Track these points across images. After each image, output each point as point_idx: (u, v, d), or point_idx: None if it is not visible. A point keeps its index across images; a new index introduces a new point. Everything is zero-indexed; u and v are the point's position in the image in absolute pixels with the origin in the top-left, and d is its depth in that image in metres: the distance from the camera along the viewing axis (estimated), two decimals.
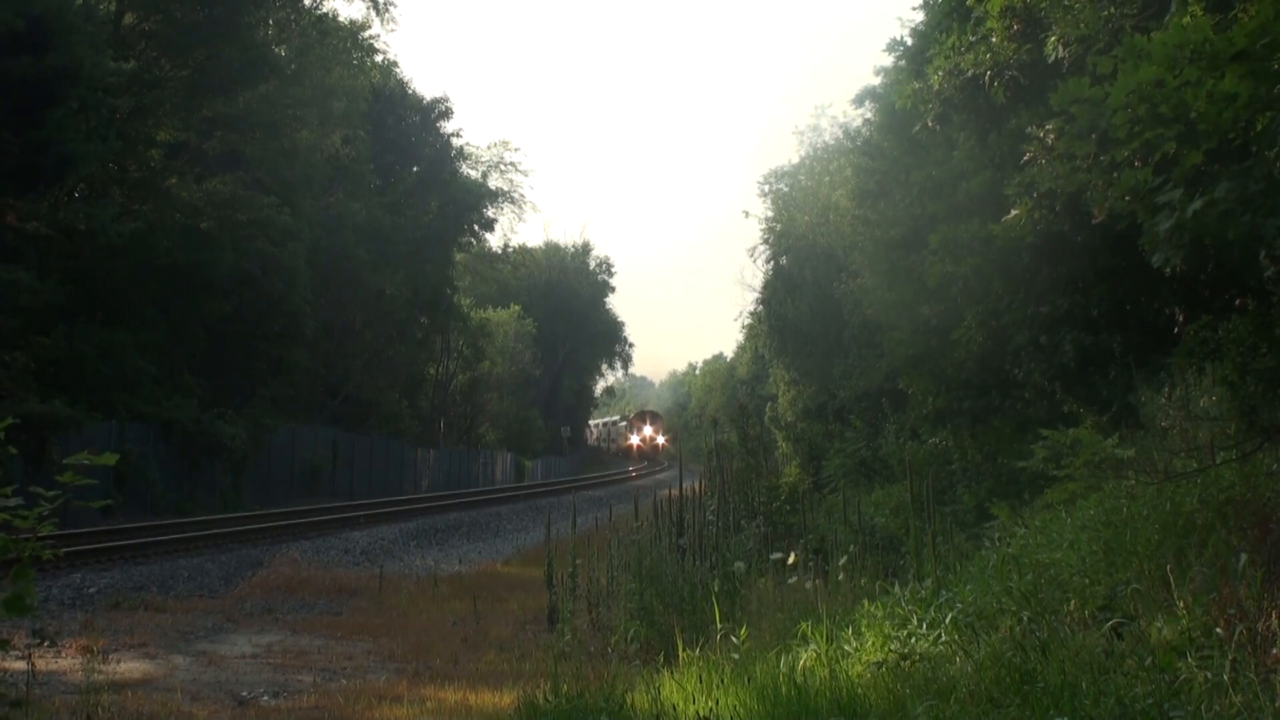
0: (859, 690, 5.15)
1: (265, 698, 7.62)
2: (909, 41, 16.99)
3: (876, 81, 21.04)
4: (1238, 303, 7.94)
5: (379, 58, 45.47)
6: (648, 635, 8.76)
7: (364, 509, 25.48)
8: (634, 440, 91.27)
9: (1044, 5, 10.03)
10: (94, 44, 22.91)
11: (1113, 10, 9.10)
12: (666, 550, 10.30)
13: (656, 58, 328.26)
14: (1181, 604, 4.91)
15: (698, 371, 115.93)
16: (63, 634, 9.51)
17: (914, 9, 16.91)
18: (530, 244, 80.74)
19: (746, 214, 37.37)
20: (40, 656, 8.05)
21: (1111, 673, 4.39)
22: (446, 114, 49.81)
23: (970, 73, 11.56)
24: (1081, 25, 9.29)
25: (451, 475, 46.54)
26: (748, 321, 44.86)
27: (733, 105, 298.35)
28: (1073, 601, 5.60)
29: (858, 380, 24.09)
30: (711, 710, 5.23)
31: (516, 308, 64.17)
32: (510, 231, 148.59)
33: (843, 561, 8.60)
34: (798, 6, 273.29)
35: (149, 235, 24.54)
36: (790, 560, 8.69)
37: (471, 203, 52.23)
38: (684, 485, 12.37)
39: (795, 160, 35.08)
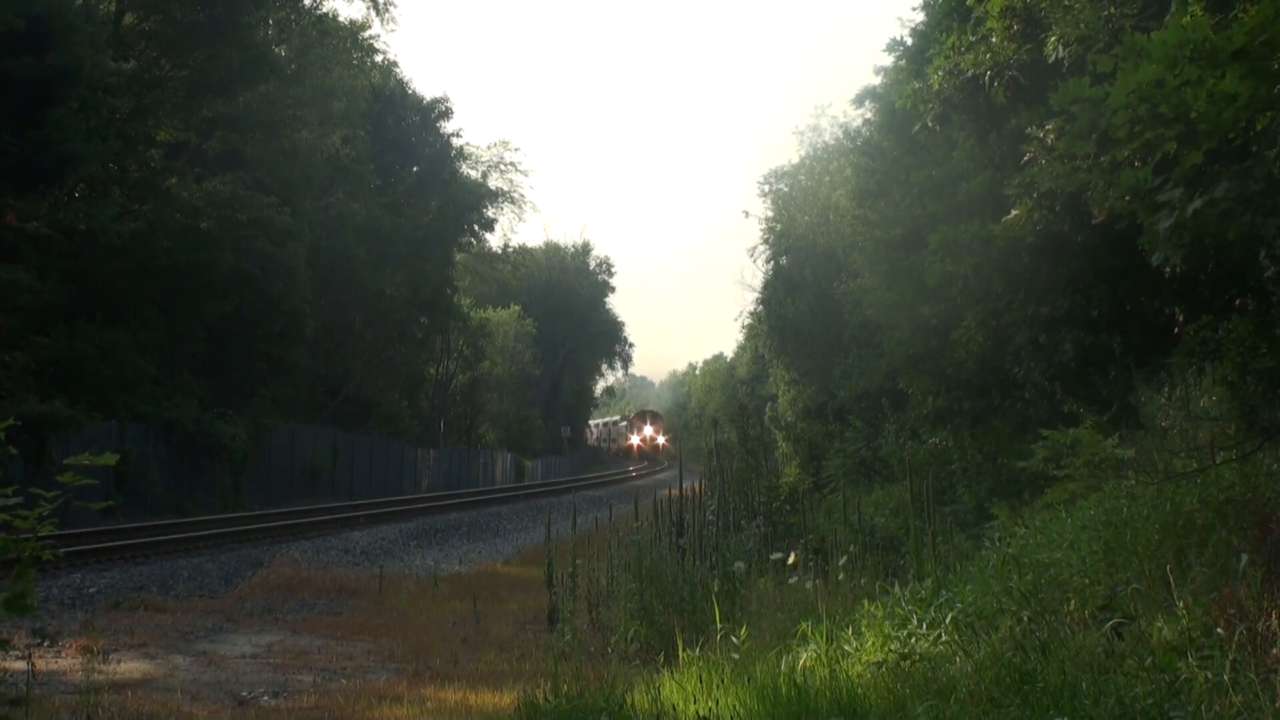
0: (859, 690, 5.15)
1: (265, 698, 7.62)
2: (909, 41, 16.99)
3: (876, 81, 21.07)
4: (1238, 303, 7.94)
5: (379, 58, 45.56)
6: (648, 635, 8.76)
7: (364, 509, 25.47)
8: (634, 440, 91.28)
9: (1044, 5, 10.03)
10: (94, 44, 22.90)
11: (1113, 10, 9.10)
12: (666, 550, 10.30)
13: (656, 58, 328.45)
14: (1181, 604, 4.91)
15: (698, 371, 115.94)
16: (63, 634, 9.51)
17: (914, 9, 16.93)
18: (530, 244, 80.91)
19: (746, 214, 37.32)
20: (40, 656, 8.06)
21: (1111, 673, 4.39)
22: (446, 114, 49.87)
23: (970, 73, 11.57)
24: (1081, 25, 9.29)
25: (451, 475, 46.54)
26: (748, 321, 44.87)
27: (733, 105, 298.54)
28: (1073, 601, 5.60)
29: (858, 380, 24.09)
30: (711, 710, 5.23)
31: (516, 308, 64.17)
32: (510, 231, 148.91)
33: (843, 561, 8.60)
34: (798, 6, 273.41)
35: (149, 235, 24.54)
36: (790, 560, 8.69)
37: (471, 203, 52.25)
38: (684, 485, 12.37)
39: (795, 160, 35.10)
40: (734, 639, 6.49)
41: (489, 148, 60.99)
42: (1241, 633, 4.31)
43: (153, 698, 7.17)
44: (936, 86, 12.09)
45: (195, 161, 29.04)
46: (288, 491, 31.44)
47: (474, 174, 56.25)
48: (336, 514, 23.72)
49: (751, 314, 41.69)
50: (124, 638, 9.78)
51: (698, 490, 13.72)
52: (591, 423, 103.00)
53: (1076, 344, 11.66)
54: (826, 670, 5.60)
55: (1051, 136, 8.91)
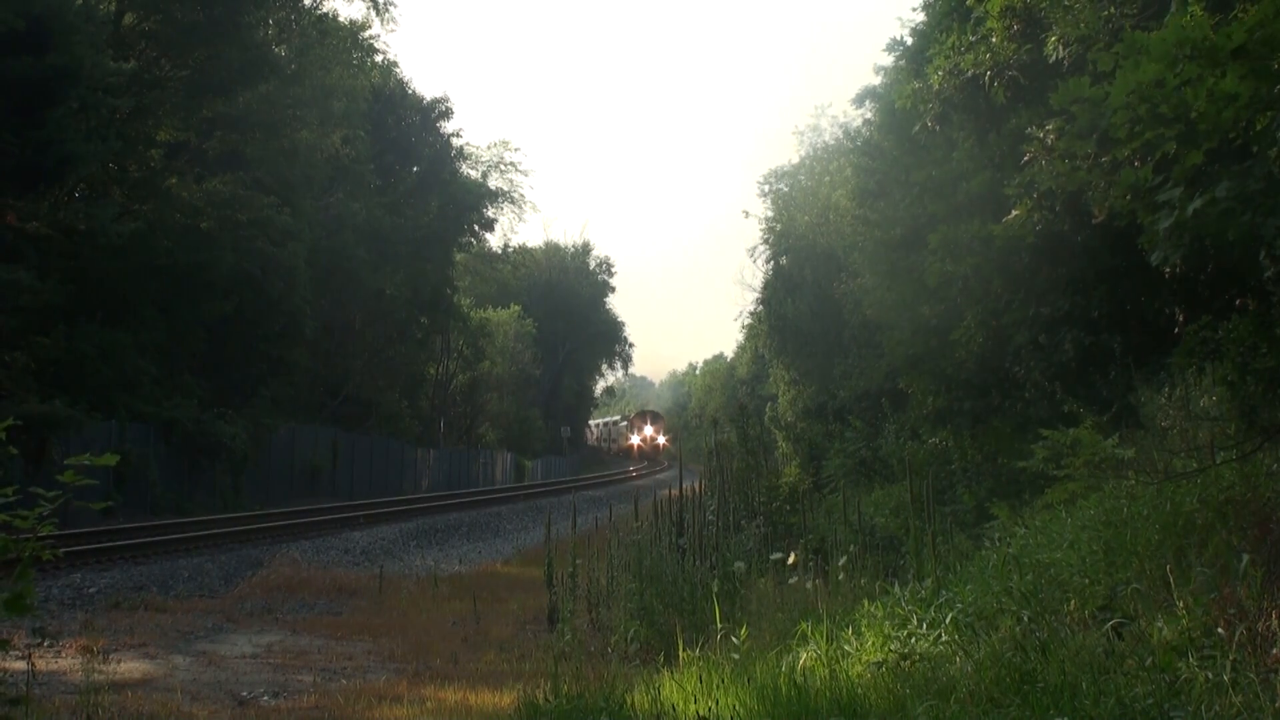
0: (859, 690, 5.15)
1: (265, 698, 7.62)
2: (909, 41, 17.00)
3: (876, 81, 21.09)
4: (1238, 303, 7.94)
5: (379, 58, 45.55)
6: (648, 635, 8.76)
7: (364, 509, 25.47)
8: (635, 440, 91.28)
9: (1044, 5, 10.03)
10: (94, 44, 22.91)
11: (1113, 10, 9.10)
12: (666, 550, 10.30)
13: (656, 58, 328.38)
14: (1182, 604, 4.91)
15: (698, 371, 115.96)
16: (63, 634, 9.51)
17: (914, 9, 16.95)
18: (530, 244, 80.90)
19: (746, 214, 37.44)
20: (40, 656, 8.06)
21: (1111, 673, 4.39)
22: (446, 114, 49.86)
23: (970, 73, 11.57)
24: (1081, 25, 9.29)
25: (451, 475, 46.54)
26: (748, 321, 44.87)
27: (733, 105, 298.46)
28: (1073, 601, 5.60)
29: (858, 380, 24.09)
30: (711, 710, 5.23)
31: (516, 308, 64.16)
32: (510, 231, 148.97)
33: (843, 561, 8.60)
34: (798, 6, 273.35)
35: (149, 235, 24.54)
36: (790, 560, 8.69)
37: (471, 203, 52.24)
38: (684, 485, 12.37)
39: (795, 160, 35.13)
40: (734, 639, 6.49)
41: (489, 148, 61.07)
42: (1241, 633, 4.31)
43: (153, 698, 7.17)
44: (936, 86, 12.09)
45: (195, 161, 29.04)
46: (288, 491, 31.44)
47: (474, 174, 56.30)
48: (336, 514, 23.72)
49: (751, 314, 41.72)
50: (124, 638, 9.78)
51: (698, 490, 13.73)
52: (591, 423, 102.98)
53: (1076, 344, 11.66)
54: (826, 670, 5.60)
55: (1051, 136, 8.92)
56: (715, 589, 8.04)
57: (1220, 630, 4.45)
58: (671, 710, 5.49)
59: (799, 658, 6.03)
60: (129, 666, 8.49)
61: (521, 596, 13.91)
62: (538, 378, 68.87)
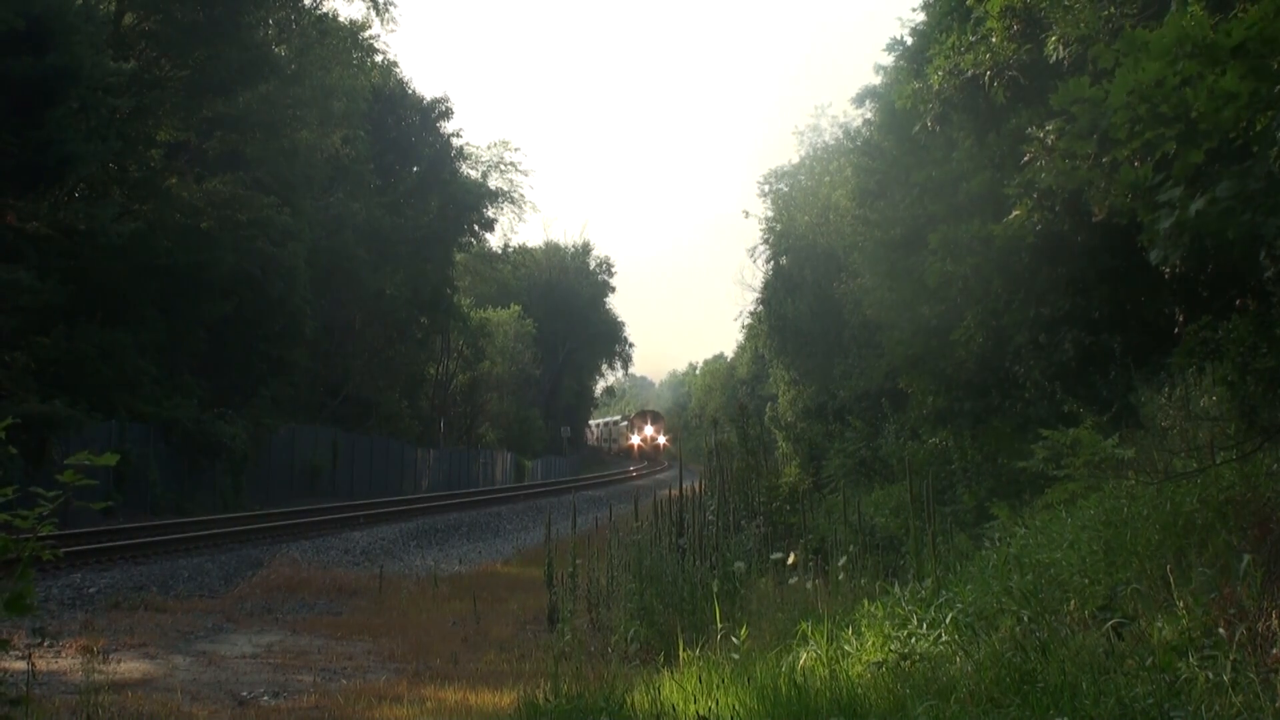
0: (859, 690, 5.15)
1: (265, 698, 7.62)
2: (909, 41, 17.00)
3: (877, 81, 21.08)
4: (1238, 303, 7.94)
5: (379, 58, 45.57)
6: (648, 635, 8.76)
7: (364, 509, 25.47)
8: (635, 440, 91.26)
9: (1044, 5, 10.03)
10: (94, 44, 22.90)
11: (1113, 10, 9.10)
12: (666, 550, 10.30)
13: (656, 58, 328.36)
14: (1182, 604, 4.91)
15: (698, 371, 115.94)
16: (63, 634, 9.52)
17: (914, 9, 16.95)
18: (530, 244, 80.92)
19: (746, 214, 37.37)
20: (40, 656, 8.06)
21: (1111, 673, 4.39)
22: (446, 114, 49.88)
23: (970, 73, 11.57)
24: (1081, 25, 9.29)
25: (451, 475, 46.54)
26: (748, 321, 44.85)
27: (733, 105, 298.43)
28: (1073, 601, 5.60)
29: (858, 380, 24.08)
30: (711, 710, 5.23)
31: (516, 308, 64.16)
32: (510, 231, 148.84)
33: (843, 561, 8.60)
34: (798, 6, 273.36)
35: (149, 235, 24.53)
36: (790, 560, 8.69)
37: (471, 203, 52.25)
38: (684, 485, 12.38)
39: (795, 160, 35.10)
40: (734, 639, 6.49)
41: (489, 148, 61.10)
42: (1241, 633, 4.31)
43: (153, 698, 7.17)
44: (936, 86, 12.09)
45: (195, 161, 29.04)
46: (288, 491, 31.44)
47: (474, 174, 56.32)
48: (336, 514, 23.71)
49: (751, 314, 41.70)
50: (124, 638, 9.78)
51: (698, 490, 13.73)
52: (592, 422, 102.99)
53: (1077, 344, 11.66)
54: (826, 670, 5.60)
55: (1052, 137, 8.91)
56: (715, 589, 8.04)
57: (1220, 630, 4.45)
58: (671, 710, 5.49)
59: (799, 658, 6.03)
60: (129, 666, 8.49)
61: (521, 596, 13.91)
62: (538, 378, 68.88)
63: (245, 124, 29.93)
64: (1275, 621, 4.33)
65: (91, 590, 12.56)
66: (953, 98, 12.02)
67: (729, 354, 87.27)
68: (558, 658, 7.54)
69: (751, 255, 37.62)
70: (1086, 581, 5.93)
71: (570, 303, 77.23)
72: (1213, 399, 7.80)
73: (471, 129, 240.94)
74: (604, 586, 10.77)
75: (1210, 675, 4.11)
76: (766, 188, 35.11)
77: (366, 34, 43.05)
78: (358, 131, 39.04)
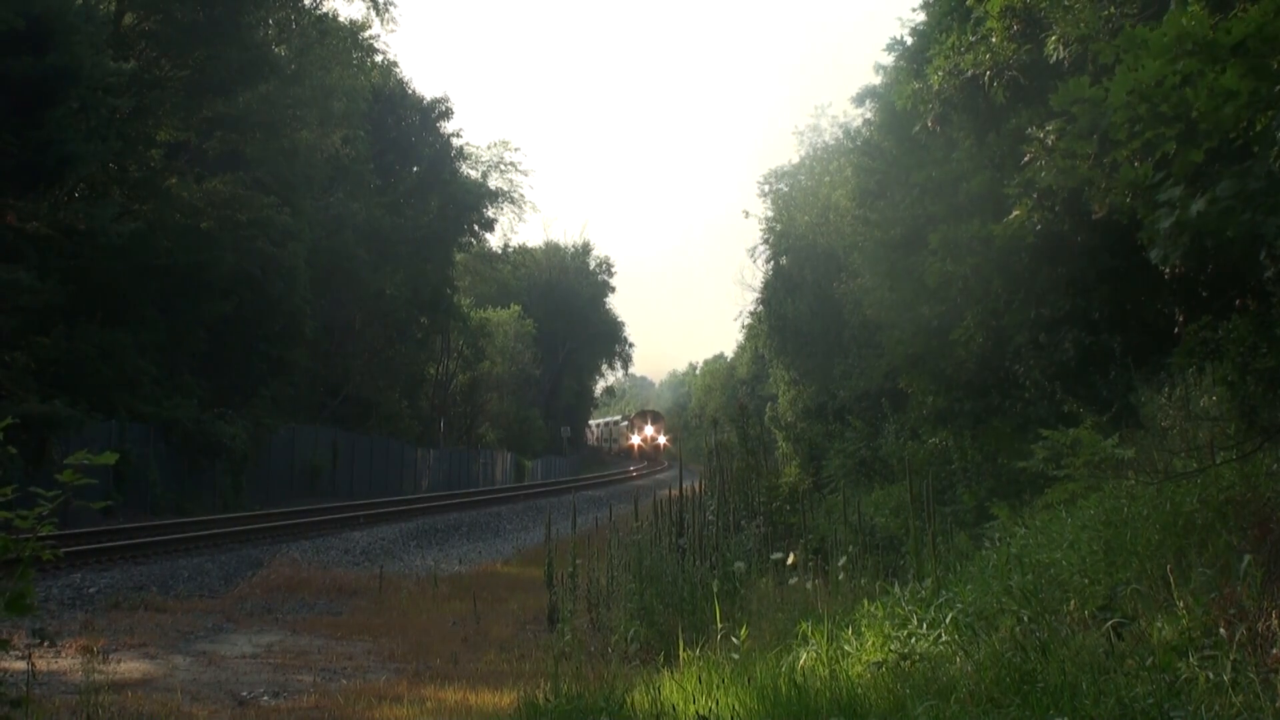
0: (859, 690, 5.15)
1: (265, 698, 7.62)
2: (909, 41, 16.99)
3: (877, 81, 21.08)
4: (1238, 303, 7.93)
5: (379, 58, 45.59)
6: (648, 635, 8.76)
7: (364, 509, 25.47)
8: (635, 440, 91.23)
9: (1044, 5, 10.03)
10: (94, 44, 22.89)
11: (1113, 10, 9.10)
12: (666, 550, 10.30)
13: (656, 58, 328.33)
14: (1182, 604, 4.91)
15: (698, 371, 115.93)
16: (63, 634, 9.51)
17: (914, 9, 16.92)
18: (530, 244, 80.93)
19: (746, 214, 37.33)
20: (40, 656, 8.05)
21: (1111, 673, 4.39)
22: (446, 114, 49.90)
23: (970, 73, 11.56)
24: (1081, 25, 9.28)
25: (451, 475, 46.54)
26: (748, 321, 44.84)
27: (733, 105, 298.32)
28: (1073, 601, 5.60)
29: (858, 380, 24.08)
30: (711, 710, 5.23)
31: (516, 308, 64.17)
32: (510, 231, 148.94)
33: (843, 561, 8.61)
34: (798, 6, 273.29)
35: (149, 235, 24.53)
36: (790, 560, 8.69)
37: (471, 203, 52.26)
38: (684, 485, 12.38)
39: (795, 160, 35.11)
40: (734, 639, 6.49)
41: (489, 148, 61.13)
42: (1242, 633, 4.30)
43: (153, 698, 7.17)
44: (936, 86, 12.08)
45: (195, 161, 29.04)
46: (288, 491, 31.44)
47: (474, 174, 56.34)
48: (336, 514, 23.72)
49: (751, 314, 41.70)
50: (124, 638, 9.78)
51: (698, 490, 13.73)
52: (592, 422, 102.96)
53: (1077, 344, 11.66)
54: (826, 670, 5.60)
55: (1052, 137, 8.91)
56: (715, 589, 8.05)
57: (1220, 630, 4.45)
58: (671, 710, 5.49)
59: (799, 658, 6.03)
60: (129, 666, 8.49)
61: (521, 596, 13.91)
62: (538, 378, 68.88)
63: (245, 124, 29.92)
64: (1275, 621, 4.33)
65: (91, 590, 12.56)
66: (953, 98, 12.01)
67: (729, 354, 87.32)
68: (558, 658, 7.55)
69: (751, 255, 37.68)
70: (1086, 581, 5.93)
71: (570, 303, 77.23)
72: (1213, 399, 7.80)
73: (471, 129, 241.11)
74: (604, 586, 10.77)
75: (1210, 675, 4.11)
76: (766, 188, 35.15)
77: (366, 34, 43.13)
78: (358, 131, 39.04)
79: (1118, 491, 7.13)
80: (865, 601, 7.17)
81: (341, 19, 40.80)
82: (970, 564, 7.89)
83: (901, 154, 16.49)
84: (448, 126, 50.42)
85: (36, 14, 21.04)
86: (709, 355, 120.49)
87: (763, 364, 46.92)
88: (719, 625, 7.09)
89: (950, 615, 5.89)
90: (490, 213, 56.19)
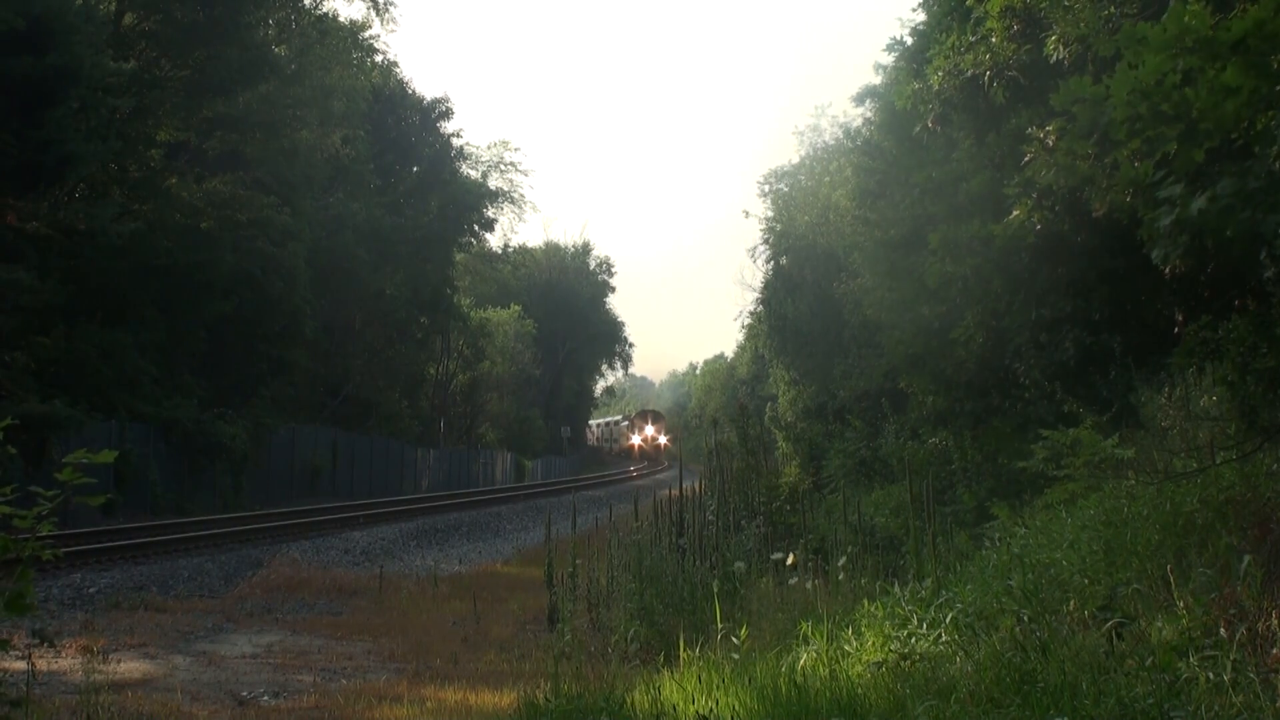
0: (859, 690, 5.15)
1: (265, 698, 7.62)
2: (909, 41, 16.98)
3: (877, 81, 21.09)
4: (1238, 303, 7.93)
5: (379, 58, 45.60)
6: (648, 635, 8.76)
7: (364, 509, 25.47)
8: (635, 440, 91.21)
9: (1044, 5, 10.02)
10: (94, 44, 22.90)
11: (1113, 10, 9.10)
12: (666, 550, 10.30)
13: (656, 58, 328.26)
14: (1182, 604, 4.91)
15: (698, 371, 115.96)
16: (63, 634, 9.51)
17: (914, 9, 16.91)
18: (530, 244, 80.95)
19: (746, 214, 37.34)
20: (40, 656, 8.05)
21: (1112, 673, 4.39)
22: (446, 114, 49.92)
23: (970, 73, 11.56)
24: (1081, 25, 9.28)
25: (451, 475, 46.54)
26: (748, 321, 44.91)
27: (733, 105, 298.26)
28: (1073, 601, 5.59)
29: (858, 380, 24.08)
30: (711, 710, 5.23)
31: (516, 308, 64.18)
32: (510, 231, 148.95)
33: (843, 561, 8.60)
34: (798, 6, 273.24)
35: (149, 235, 24.54)
36: (790, 560, 8.69)
37: (471, 203, 52.28)
38: (684, 485, 12.38)
39: (795, 160, 35.12)
40: (734, 639, 6.49)
41: (489, 148, 61.13)
42: (1242, 633, 4.30)
43: (153, 698, 7.17)
44: (936, 86, 12.08)
45: (195, 161, 29.05)
46: (288, 491, 31.44)
47: (474, 174, 56.36)
48: (336, 514, 23.71)
49: (751, 314, 41.75)
50: (124, 638, 9.78)
51: (698, 490, 13.73)
52: (592, 422, 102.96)
53: (1077, 344, 11.65)
54: (826, 670, 5.59)
55: (1052, 137, 8.90)
56: (715, 589, 8.05)
57: (1220, 630, 4.45)
58: (671, 710, 5.48)
59: (799, 658, 6.03)
60: (129, 666, 8.49)
61: (521, 596, 13.91)
62: (538, 378, 68.88)
63: (245, 124, 29.93)
64: (1275, 621, 4.33)
65: (91, 590, 12.56)
66: (953, 98, 12.02)
67: (729, 354, 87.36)
68: (558, 658, 7.55)
69: (751, 255, 37.72)
70: (1086, 581, 5.93)
71: (570, 303, 77.24)
72: (1213, 399, 7.80)
73: (471, 129, 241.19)
74: (604, 586, 10.77)
75: (1210, 675, 4.11)
76: (766, 188, 35.16)
77: (366, 34, 43.14)
78: (358, 131, 39.06)
79: (1118, 491, 7.13)
80: (865, 601, 7.17)
81: (341, 19, 40.87)
82: (970, 564, 7.89)
83: (901, 154, 16.49)
84: (448, 126, 50.53)
85: (36, 14, 21.04)
86: (709, 355, 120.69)
87: (763, 364, 46.94)
88: (719, 625, 7.09)
89: (950, 615, 5.89)
90: (490, 213, 56.30)
